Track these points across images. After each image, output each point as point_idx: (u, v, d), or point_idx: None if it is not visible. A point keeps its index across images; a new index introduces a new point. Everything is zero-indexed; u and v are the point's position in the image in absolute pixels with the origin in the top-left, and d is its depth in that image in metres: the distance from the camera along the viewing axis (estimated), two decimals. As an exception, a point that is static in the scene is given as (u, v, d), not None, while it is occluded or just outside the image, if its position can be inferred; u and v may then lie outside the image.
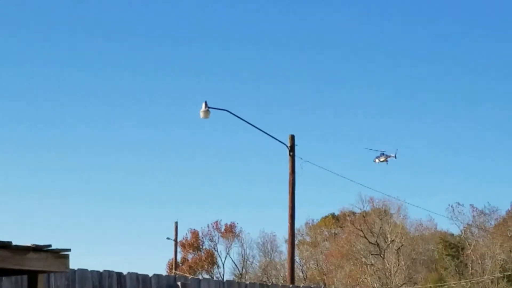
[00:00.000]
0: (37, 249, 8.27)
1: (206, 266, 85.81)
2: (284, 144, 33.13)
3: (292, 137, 33.38)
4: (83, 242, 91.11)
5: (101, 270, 11.95)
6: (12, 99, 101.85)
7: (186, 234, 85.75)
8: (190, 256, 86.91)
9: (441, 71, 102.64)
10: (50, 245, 8.30)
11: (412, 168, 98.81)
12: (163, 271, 76.57)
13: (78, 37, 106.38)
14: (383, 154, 67.11)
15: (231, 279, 71.85)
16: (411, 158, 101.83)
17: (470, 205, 71.22)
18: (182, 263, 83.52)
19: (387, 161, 67.24)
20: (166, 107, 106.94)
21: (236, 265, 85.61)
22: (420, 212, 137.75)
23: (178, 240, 68.74)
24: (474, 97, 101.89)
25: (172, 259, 70.15)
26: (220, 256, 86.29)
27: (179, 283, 13.31)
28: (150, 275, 12.82)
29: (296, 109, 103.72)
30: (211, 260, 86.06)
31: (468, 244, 69.07)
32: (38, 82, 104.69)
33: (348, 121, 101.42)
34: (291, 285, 22.83)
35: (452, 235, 74.97)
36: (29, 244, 8.20)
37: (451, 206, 70.37)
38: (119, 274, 12.21)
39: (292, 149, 33.12)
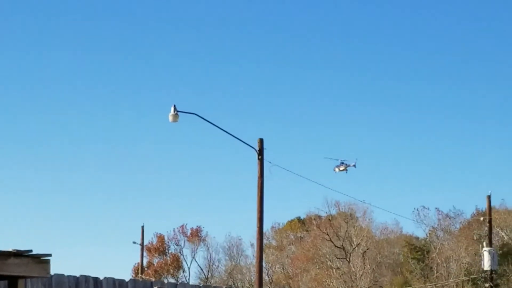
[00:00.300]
0: (18, 254, 8.12)
1: (171, 270, 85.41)
2: (253, 148, 33.04)
3: (261, 141, 33.31)
4: (47, 246, 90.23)
5: (77, 275, 11.80)
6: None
7: (152, 238, 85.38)
8: (155, 260, 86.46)
9: (406, 75, 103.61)
10: (31, 250, 8.16)
11: (378, 171, 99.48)
12: (129, 276, 76.04)
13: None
14: (343, 163, 67.44)
15: (197, 283, 71.60)
16: (377, 161, 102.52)
17: (436, 208, 71.83)
18: (148, 267, 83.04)
19: (346, 170, 67.57)
20: (135, 110, 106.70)
21: (202, 269, 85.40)
22: (385, 215, 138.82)
23: (144, 244, 68.37)
24: (441, 101, 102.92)
25: (138, 263, 69.77)
26: (185, 260, 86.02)
27: (156, 288, 13.21)
28: (127, 279, 12.68)
29: (265, 112, 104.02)
30: (176, 264, 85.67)
31: (434, 248, 69.52)
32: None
33: (315, 125, 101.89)
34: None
35: (417, 238, 75.44)
36: (9, 249, 8.04)
37: (417, 210, 70.86)
38: (96, 279, 12.07)
39: (260, 152, 33.06)
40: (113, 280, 12.46)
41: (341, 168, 67.54)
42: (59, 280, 11.69)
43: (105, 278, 12.30)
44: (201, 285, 47.36)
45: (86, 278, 12.10)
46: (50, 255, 8.33)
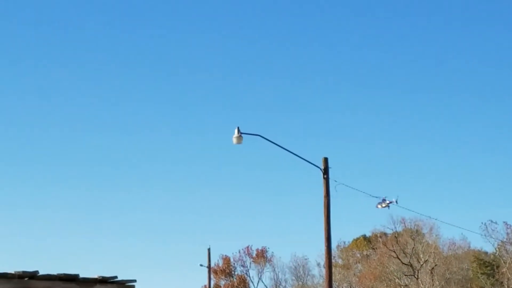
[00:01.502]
0: (103, 281, 8.27)
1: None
2: (318, 167, 32.91)
3: (326, 160, 33.15)
4: (122, 270, 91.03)
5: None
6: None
7: (218, 260, 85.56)
8: (222, 283, 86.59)
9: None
10: (116, 277, 8.30)
11: (444, 186, 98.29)
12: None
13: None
14: (384, 200, 67.72)
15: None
16: (443, 176, 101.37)
17: (504, 222, 70.42)
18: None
19: (388, 206, 67.81)
20: (199, 134, 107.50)
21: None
22: (453, 230, 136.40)
23: (211, 266, 68.53)
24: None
25: (205, 286, 69.90)
26: (252, 282, 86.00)
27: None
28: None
29: (328, 131, 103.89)
30: (243, 285, 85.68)
31: (503, 262, 68.27)
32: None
33: (379, 142, 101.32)
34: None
35: (486, 253, 74.17)
36: (95, 276, 8.20)
37: (484, 224, 69.62)
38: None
39: (326, 171, 32.90)
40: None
41: (383, 205, 67.87)
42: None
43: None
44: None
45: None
46: (134, 280, 8.45)
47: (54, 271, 7.99)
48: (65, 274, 8.04)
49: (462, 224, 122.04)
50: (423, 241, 71.43)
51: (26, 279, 8.23)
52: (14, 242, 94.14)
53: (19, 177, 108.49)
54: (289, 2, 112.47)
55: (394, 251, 70.48)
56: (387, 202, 67.07)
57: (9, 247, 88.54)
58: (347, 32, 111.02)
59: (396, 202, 67.07)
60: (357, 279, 78.42)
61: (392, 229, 73.84)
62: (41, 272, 8.15)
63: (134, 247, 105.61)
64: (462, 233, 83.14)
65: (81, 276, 7.90)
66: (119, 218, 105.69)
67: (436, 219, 68.30)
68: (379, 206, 67.74)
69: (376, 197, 66.94)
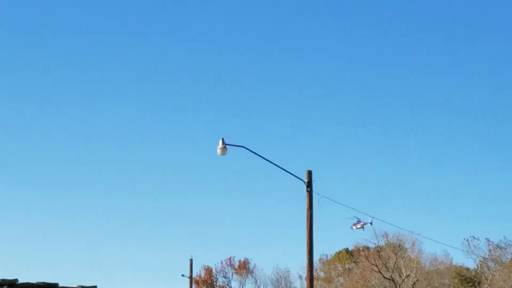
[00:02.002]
0: (80, 290, 8.29)
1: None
2: (302, 180, 32.96)
3: (310, 173, 33.21)
4: (103, 280, 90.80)
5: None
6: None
7: (200, 271, 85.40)
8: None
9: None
10: (95, 286, 8.31)
11: (426, 202, 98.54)
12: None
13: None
14: (359, 221, 68.05)
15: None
16: (425, 192, 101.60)
17: (486, 239, 70.78)
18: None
19: (363, 228, 68.19)
20: (184, 144, 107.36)
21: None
22: (435, 246, 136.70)
23: (193, 277, 68.38)
24: (488, 133, 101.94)
25: (187, 296, 69.65)
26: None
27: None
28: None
29: (313, 144, 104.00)
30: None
31: (485, 279, 68.51)
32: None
33: (363, 156, 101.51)
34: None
35: (468, 269, 74.40)
36: (75, 286, 8.20)
37: (467, 240, 69.92)
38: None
39: (309, 184, 32.97)
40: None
41: (358, 226, 68.31)
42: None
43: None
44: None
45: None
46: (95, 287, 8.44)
47: (33, 280, 7.98)
48: (44, 283, 8.04)
49: (445, 239, 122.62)
50: (405, 255, 71.58)
51: (5, 287, 8.21)
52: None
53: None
54: (266, 12, 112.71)
55: (376, 265, 70.59)
56: (362, 223, 67.51)
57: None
58: (333, 41, 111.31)
59: (371, 223, 67.59)
60: (339, 292, 78.44)
61: (374, 243, 74.02)
62: (21, 280, 8.14)
63: (115, 256, 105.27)
64: (444, 249, 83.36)
65: (60, 285, 7.89)
66: (101, 227, 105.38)
67: (418, 234, 68.61)
68: (354, 227, 68.27)
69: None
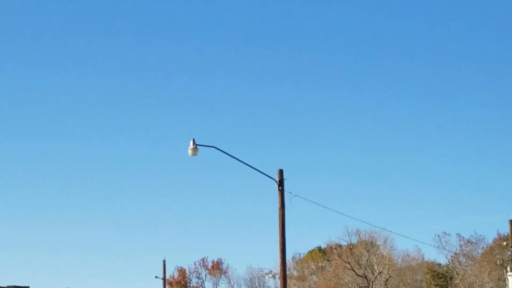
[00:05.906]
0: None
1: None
2: (273, 179, 33.06)
3: (281, 172, 33.34)
4: (75, 282, 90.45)
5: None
6: None
7: (173, 272, 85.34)
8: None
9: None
10: (28, 287, 8.24)
11: (398, 199, 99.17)
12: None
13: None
14: (271, 271, 69.55)
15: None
16: (397, 189, 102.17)
17: (457, 234, 71.40)
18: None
19: (274, 277, 69.39)
20: (154, 145, 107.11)
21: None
22: (407, 242, 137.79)
23: (166, 278, 68.25)
24: (461, 125, 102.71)
25: (160, 298, 69.46)
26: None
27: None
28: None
29: (284, 143, 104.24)
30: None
31: (456, 274, 69.08)
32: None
33: (335, 154, 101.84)
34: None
35: (439, 265, 75.03)
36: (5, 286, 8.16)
37: (438, 236, 70.48)
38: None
39: (281, 183, 33.10)
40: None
41: (270, 276, 69.37)
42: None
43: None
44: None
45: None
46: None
47: (4, 283, 7.94)
48: (15, 286, 8.02)
49: (416, 236, 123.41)
50: (378, 252, 72.02)
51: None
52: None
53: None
54: (246, 15, 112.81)
55: (349, 263, 70.95)
56: (274, 273, 68.36)
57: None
58: (308, 39, 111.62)
59: (274, 277, 68.60)
60: (312, 290, 78.70)
61: (347, 241, 74.39)
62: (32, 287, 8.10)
63: (88, 258, 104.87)
64: (416, 245, 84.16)
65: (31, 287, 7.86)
66: (73, 230, 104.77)
67: (390, 231, 69.22)
68: (267, 276, 69.34)
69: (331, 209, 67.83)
